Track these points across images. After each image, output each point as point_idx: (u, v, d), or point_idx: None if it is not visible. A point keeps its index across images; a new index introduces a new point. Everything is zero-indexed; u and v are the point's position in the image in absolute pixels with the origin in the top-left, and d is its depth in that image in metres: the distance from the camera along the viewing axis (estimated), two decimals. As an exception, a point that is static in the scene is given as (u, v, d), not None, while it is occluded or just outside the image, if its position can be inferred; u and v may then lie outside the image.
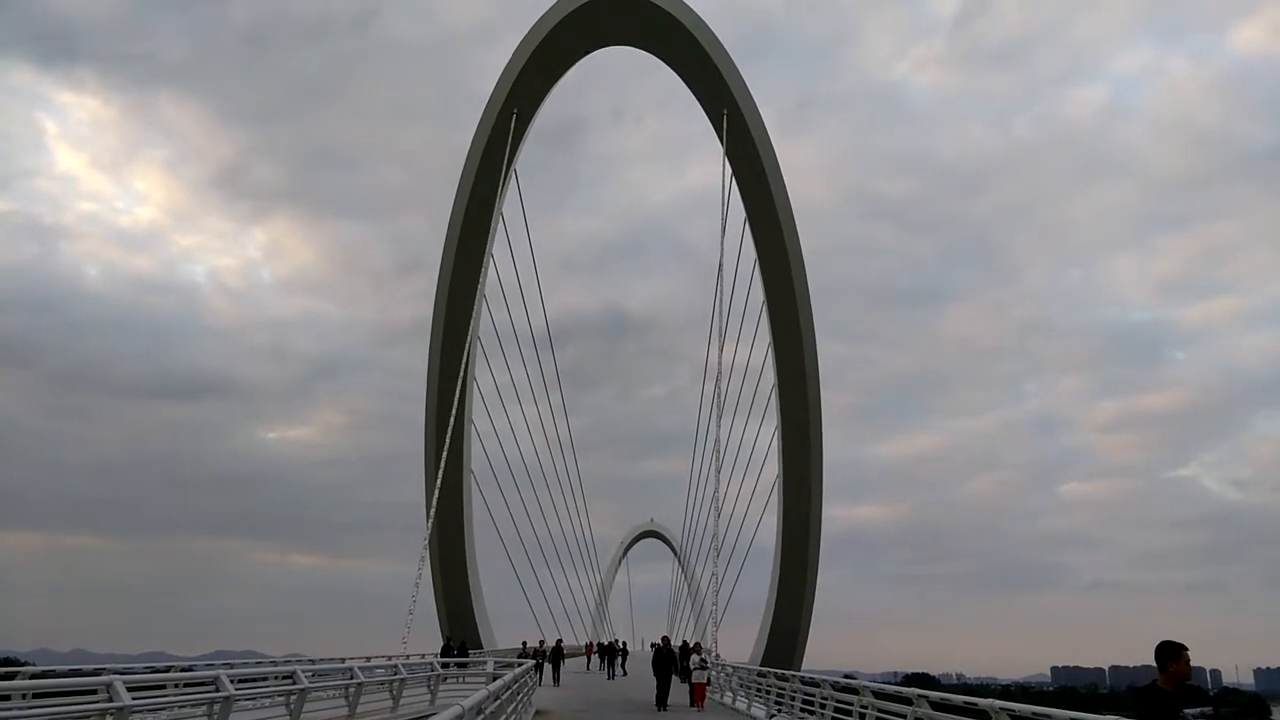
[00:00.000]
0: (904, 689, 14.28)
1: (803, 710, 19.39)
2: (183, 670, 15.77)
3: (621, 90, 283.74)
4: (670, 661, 26.37)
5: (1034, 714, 10.12)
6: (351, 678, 17.13)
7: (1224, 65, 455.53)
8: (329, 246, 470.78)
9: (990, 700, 10.58)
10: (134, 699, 10.27)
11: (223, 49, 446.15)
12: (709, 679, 26.71)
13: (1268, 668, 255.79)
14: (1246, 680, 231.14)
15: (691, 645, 31.19)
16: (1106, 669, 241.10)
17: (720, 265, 46.01)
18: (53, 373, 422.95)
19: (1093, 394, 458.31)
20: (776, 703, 21.79)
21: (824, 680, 17.79)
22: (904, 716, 13.21)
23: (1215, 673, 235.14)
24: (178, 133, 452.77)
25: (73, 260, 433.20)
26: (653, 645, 33.81)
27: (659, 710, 24.10)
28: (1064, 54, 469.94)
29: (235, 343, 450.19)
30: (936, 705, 12.65)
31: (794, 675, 20.35)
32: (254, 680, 15.86)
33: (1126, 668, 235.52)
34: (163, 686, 13.10)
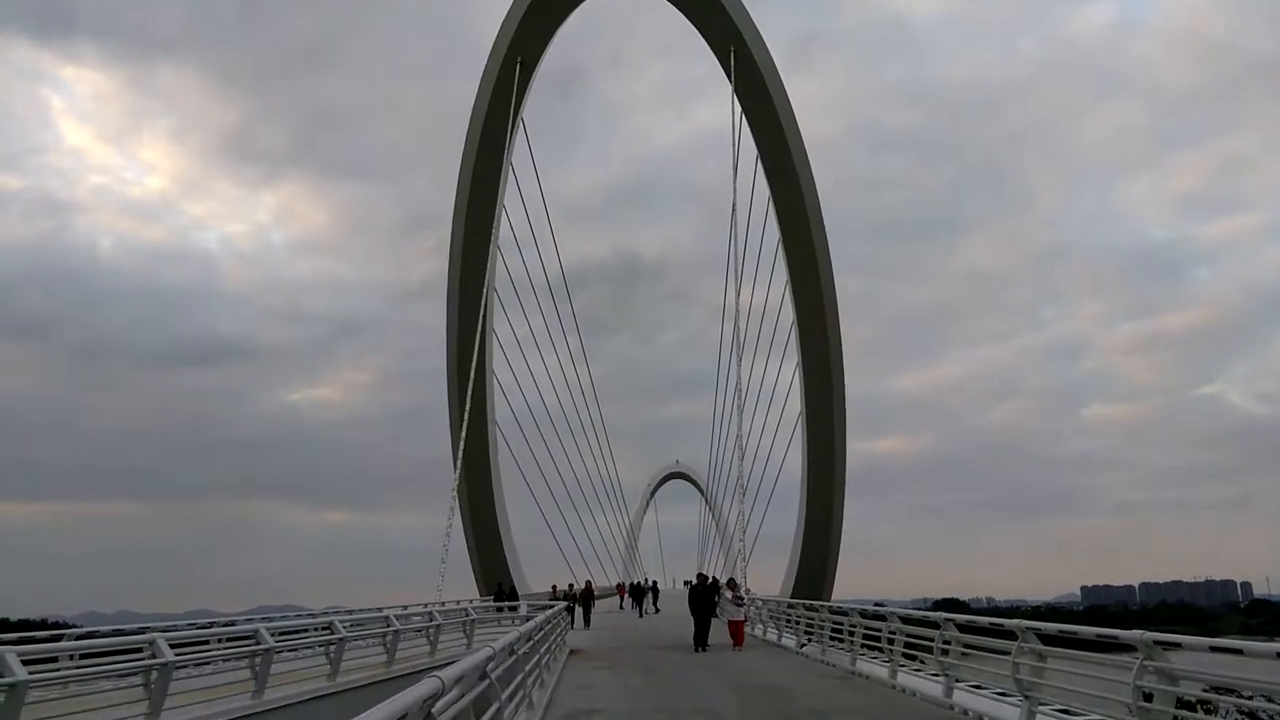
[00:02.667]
0: (931, 614, 14.49)
1: (832, 639, 19.68)
2: (224, 626, 16.25)
3: (622, 36, 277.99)
4: (709, 599, 24.96)
5: (1059, 631, 10.36)
6: (389, 626, 17.58)
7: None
8: (339, 208, 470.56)
9: (1017, 621, 10.72)
10: (177, 655, 10.61)
11: (215, 15, 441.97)
12: (746, 615, 25.45)
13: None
14: (1278, 592, 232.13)
15: (725, 582, 29.19)
16: (1136, 586, 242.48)
17: (734, 203, 45.62)
18: (73, 345, 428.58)
19: (1113, 317, 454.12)
20: (806, 632, 22.17)
21: (852, 609, 18.03)
22: (931, 640, 13.41)
23: (1246, 585, 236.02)
24: (179, 102, 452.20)
25: (87, 233, 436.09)
26: (686, 583, 33.13)
27: (697, 651, 22.41)
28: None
29: (252, 307, 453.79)
30: (963, 628, 12.78)
31: (822, 605, 20.62)
32: (294, 632, 16.28)
33: (1156, 584, 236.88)
34: (205, 642, 13.53)
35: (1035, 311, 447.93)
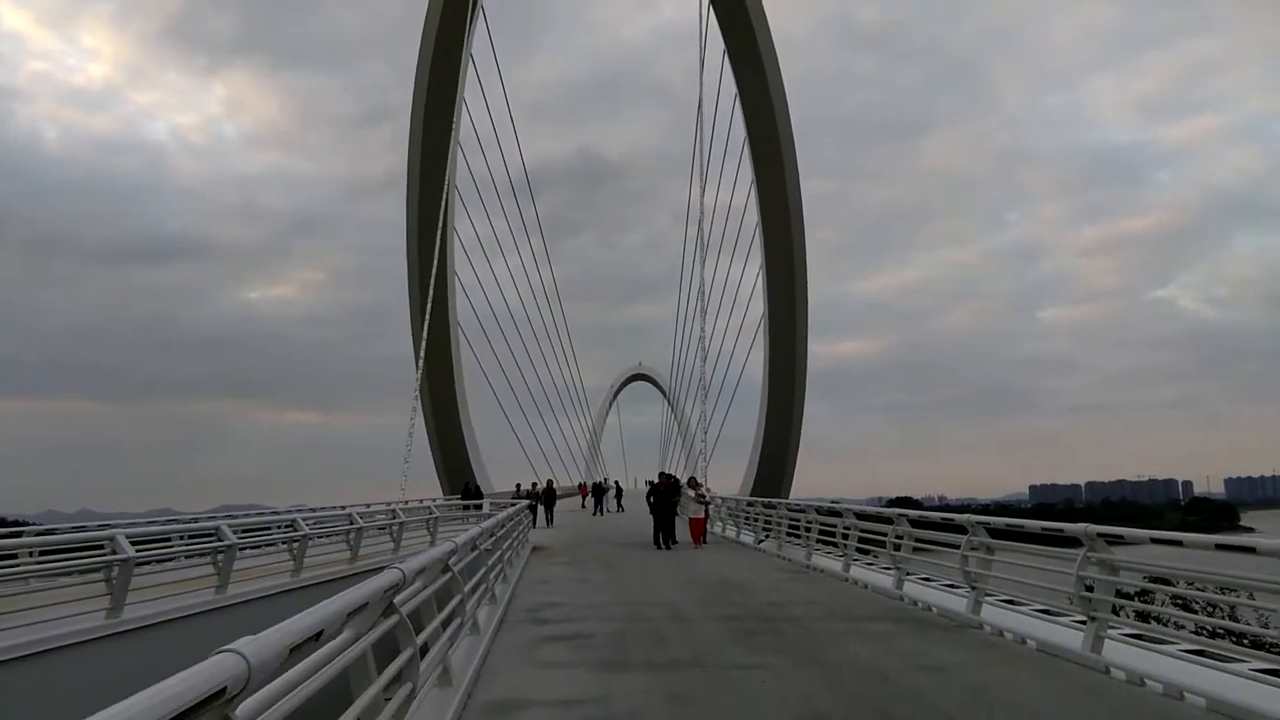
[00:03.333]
0: (885, 510, 14.92)
1: (789, 536, 20.27)
2: (186, 523, 16.26)
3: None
4: (670, 497, 24.47)
5: (1007, 524, 10.78)
6: (352, 524, 17.69)
7: None
8: (293, 99, 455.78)
9: (967, 515, 11.11)
10: (138, 551, 10.61)
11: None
12: (708, 513, 25.55)
13: (1238, 477, 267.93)
14: (1218, 490, 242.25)
15: (686, 480, 28.25)
16: (1083, 485, 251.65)
17: (700, 97, 44.79)
18: (21, 241, 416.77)
19: (1074, 219, 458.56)
20: (764, 529, 22.74)
21: (808, 506, 18.43)
22: (884, 535, 13.82)
23: (1187, 484, 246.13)
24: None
25: (29, 122, 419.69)
26: (648, 482, 32.96)
27: (659, 548, 22.47)
28: None
29: (205, 202, 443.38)
30: (915, 523, 13.17)
31: (780, 503, 21.07)
32: (257, 529, 16.35)
33: (1102, 483, 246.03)
34: (167, 540, 13.52)
35: (999, 214, 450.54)
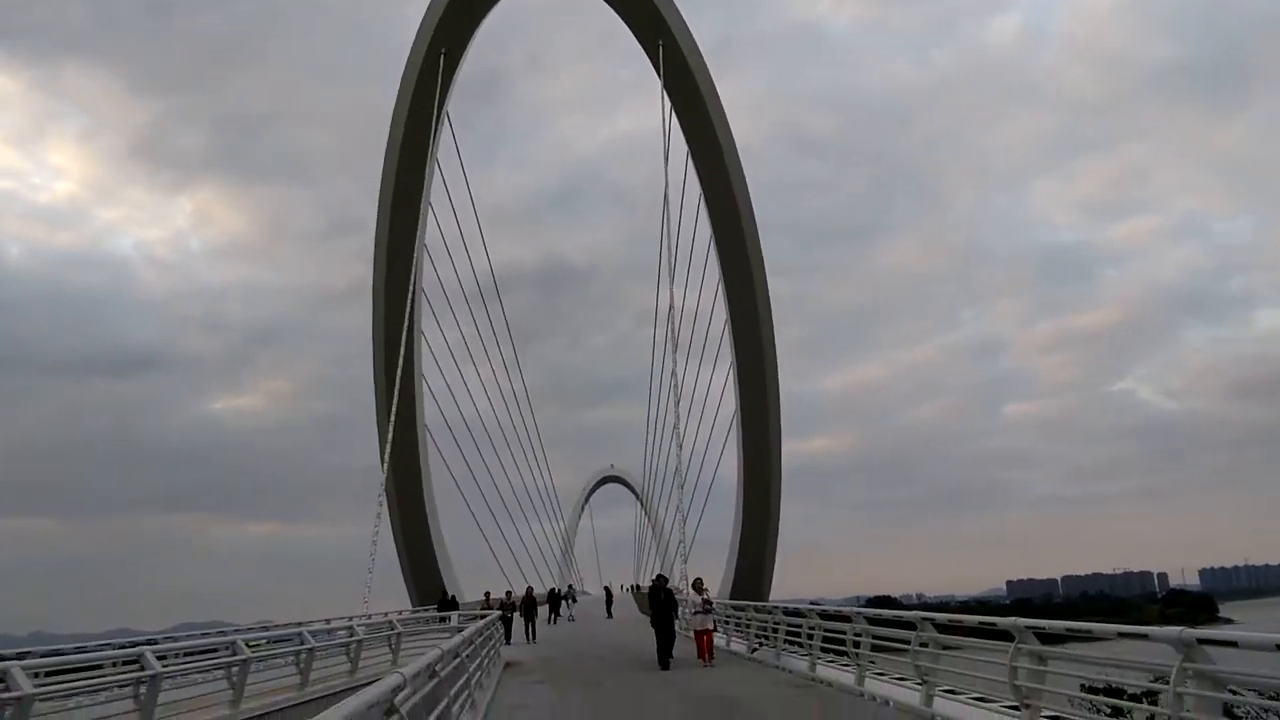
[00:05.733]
0: (845, 609, 16.00)
1: (758, 635, 21.17)
2: (94, 650, 14.49)
3: (545, 39, 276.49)
4: (672, 607, 21.19)
5: (949, 620, 12.37)
6: (303, 644, 15.98)
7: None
8: (259, 213, 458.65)
9: (915, 613, 12.38)
10: (36, 687, 9.05)
11: (124, 14, 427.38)
12: (715, 624, 21.89)
13: (1212, 568, 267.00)
14: (1193, 581, 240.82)
15: (691, 582, 23.15)
16: (1059, 579, 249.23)
17: (665, 196, 44.87)
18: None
19: (1029, 316, 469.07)
20: (759, 636, 21.45)
21: (809, 610, 17.63)
22: (844, 633, 14.78)
23: (1163, 575, 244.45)
24: (88, 104, 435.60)
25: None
26: (624, 587, 30.91)
27: (664, 669, 19.26)
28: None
29: (169, 314, 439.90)
30: (872, 620, 14.17)
31: (776, 606, 20.35)
32: (198, 653, 14.49)
33: (1077, 576, 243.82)
34: (82, 670, 11.66)
35: (955, 311, 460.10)
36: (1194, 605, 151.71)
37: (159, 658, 10.97)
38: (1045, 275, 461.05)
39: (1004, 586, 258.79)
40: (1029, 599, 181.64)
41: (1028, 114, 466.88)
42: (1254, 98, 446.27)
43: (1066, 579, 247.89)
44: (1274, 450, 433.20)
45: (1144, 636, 7.35)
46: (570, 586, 57.89)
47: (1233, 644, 6.79)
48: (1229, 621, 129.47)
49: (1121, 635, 8.37)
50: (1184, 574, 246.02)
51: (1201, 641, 6.72)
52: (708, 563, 53.98)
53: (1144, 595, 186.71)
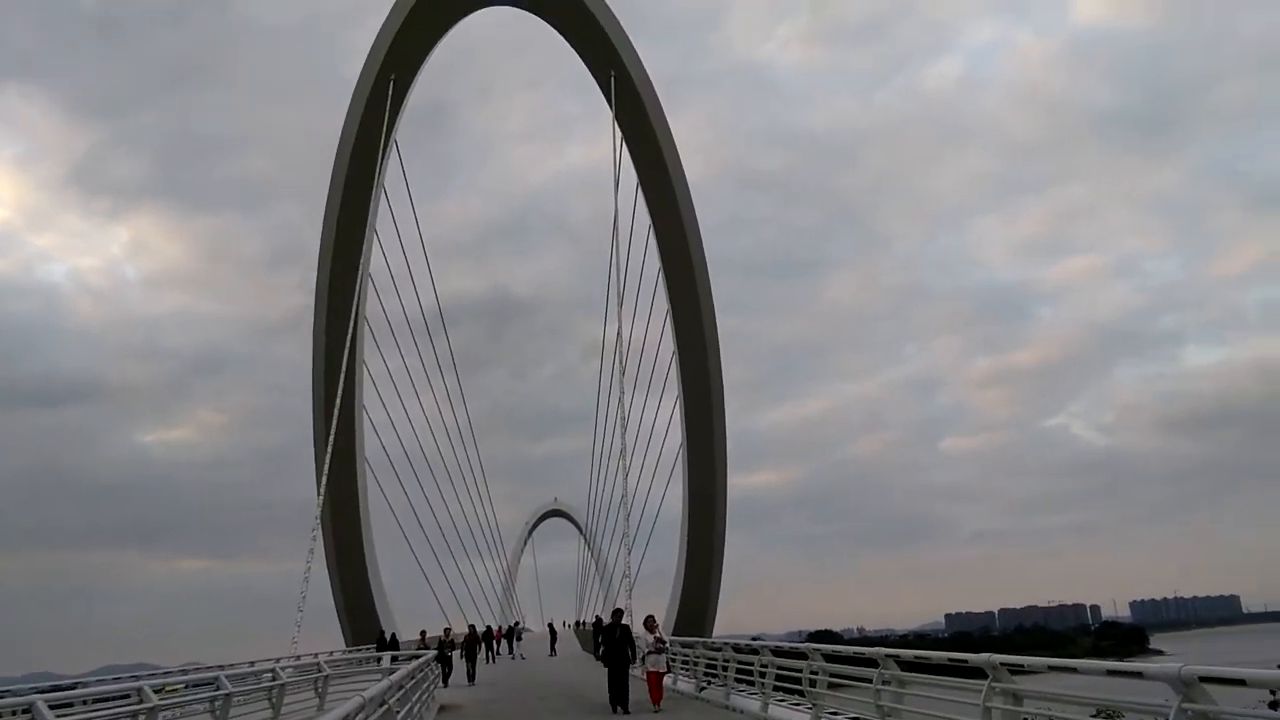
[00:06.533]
0: (801, 645, 15.17)
1: (706, 673, 20.33)
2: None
3: (492, 71, 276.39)
4: (629, 644, 20.13)
5: (915, 657, 11.40)
6: (218, 689, 15.07)
7: (1067, 36, 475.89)
8: (198, 241, 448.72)
9: (877, 649, 11.49)
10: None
11: (71, 37, 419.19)
12: (668, 665, 20.90)
13: (1143, 600, 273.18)
14: (1124, 613, 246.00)
15: (643, 621, 21.97)
16: (996, 612, 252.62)
17: (615, 224, 44.76)
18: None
19: (967, 352, 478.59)
20: (707, 673, 20.90)
21: (762, 647, 17.01)
22: (800, 670, 13.99)
23: (1095, 608, 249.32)
24: (26, 128, 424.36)
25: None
26: (567, 624, 30.06)
27: (616, 712, 18.68)
28: (920, 28, 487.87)
29: (102, 344, 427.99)
30: (830, 658, 13.54)
31: (726, 643, 19.54)
32: (99, 701, 13.34)
33: (1014, 610, 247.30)
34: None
35: (897, 347, 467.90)
36: (1126, 637, 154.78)
37: (52, 707, 10.01)
38: (984, 313, 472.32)
39: (942, 619, 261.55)
40: (967, 632, 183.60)
41: (969, 155, 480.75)
42: (1185, 143, 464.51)
43: (1003, 611, 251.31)
44: (1202, 485, 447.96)
45: (1139, 674, 6.80)
46: (517, 623, 56.72)
47: (1240, 682, 6.13)
48: (1159, 653, 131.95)
49: (1111, 673, 7.61)
50: (1115, 606, 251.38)
51: (1204, 680, 6.06)
52: (651, 597, 53.46)
53: (1078, 627, 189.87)
